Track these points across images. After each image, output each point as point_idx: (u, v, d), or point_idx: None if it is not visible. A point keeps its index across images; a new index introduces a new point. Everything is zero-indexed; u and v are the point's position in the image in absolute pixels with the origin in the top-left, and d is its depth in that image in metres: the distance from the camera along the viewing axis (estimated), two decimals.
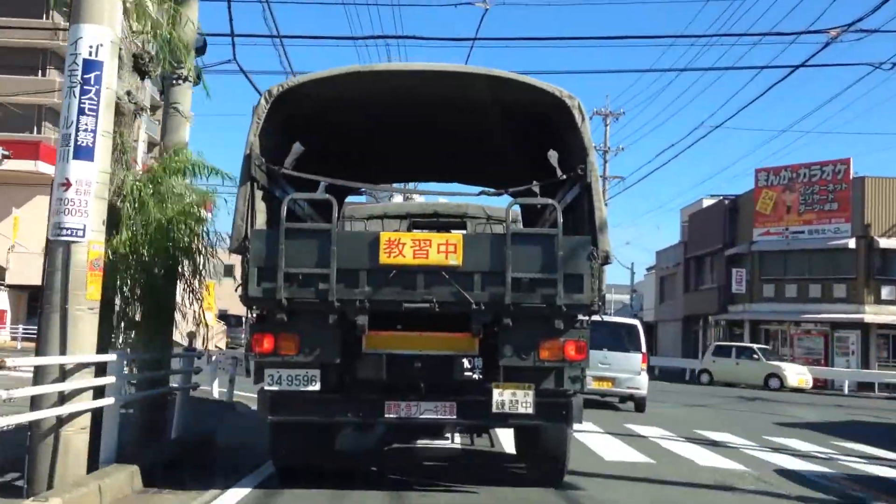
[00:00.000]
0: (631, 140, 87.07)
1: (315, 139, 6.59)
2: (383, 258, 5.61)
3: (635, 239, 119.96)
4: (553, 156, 6.23)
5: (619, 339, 13.53)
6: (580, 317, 5.90)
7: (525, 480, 6.63)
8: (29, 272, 28.70)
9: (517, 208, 7.61)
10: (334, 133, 7.09)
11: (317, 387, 5.68)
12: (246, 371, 7.62)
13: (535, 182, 6.60)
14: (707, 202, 39.08)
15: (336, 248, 5.58)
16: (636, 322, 14.78)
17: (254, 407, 7.71)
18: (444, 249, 5.65)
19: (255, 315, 6.02)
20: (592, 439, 9.78)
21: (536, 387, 5.73)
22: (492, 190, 6.78)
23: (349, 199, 8.33)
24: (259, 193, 6.03)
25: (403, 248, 5.63)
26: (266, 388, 5.69)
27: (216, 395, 12.53)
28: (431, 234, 6.02)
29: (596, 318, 6.23)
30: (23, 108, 37.23)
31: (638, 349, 13.52)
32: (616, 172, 53.28)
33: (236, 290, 5.80)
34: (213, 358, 13.38)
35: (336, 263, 5.56)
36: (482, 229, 8.54)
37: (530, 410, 5.67)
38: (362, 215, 6.85)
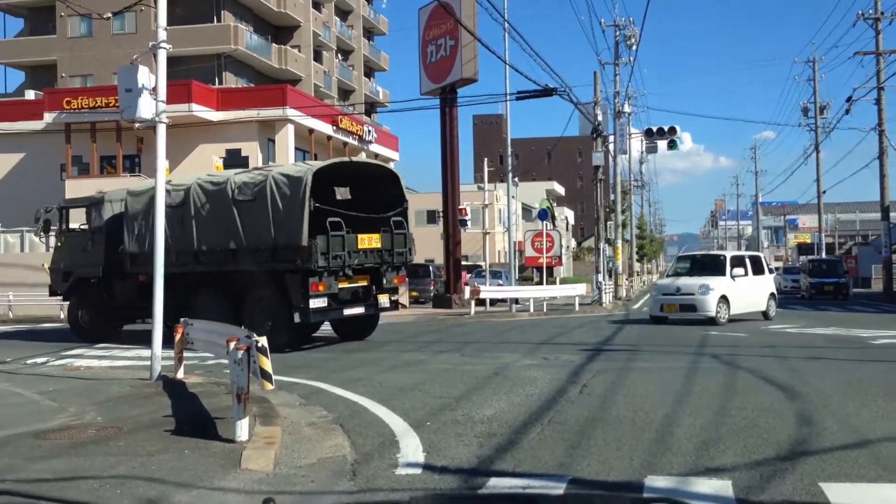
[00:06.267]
0: None
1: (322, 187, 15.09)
2: (359, 245, 14.77)
3: None
4: (344, 190, 16.78)
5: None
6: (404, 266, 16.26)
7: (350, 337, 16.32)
8: None
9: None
10: (323, 183, 15.06)
11: (325, 303, 14.31)
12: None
13: (395, 209, 15.89)
14: None
15: (346, 240, 14.41)
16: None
17: None
18: (375, 240, 15.18)
19: (304, 272, 14.02)
20: None
21: (389, 295, 15.73)
22: (380, 215, 15.68)
23: None
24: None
25: (365, 240, 14.90)
26: (311, 306, 13.97)
27: None
28: (373, 234, 15.13)
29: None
30: (201, 60, 39.50)
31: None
32: (891, 45, 46.06)
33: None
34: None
35: (347, 248, 14.44)
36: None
37: (388, 305, 15.80)
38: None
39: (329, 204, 15.02)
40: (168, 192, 14.79)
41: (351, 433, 7.08)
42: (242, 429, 6.52)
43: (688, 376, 10.25)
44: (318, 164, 15.11)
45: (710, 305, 18.93)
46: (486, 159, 40.57)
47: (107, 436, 6.94)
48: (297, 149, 32.99)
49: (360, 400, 8.87)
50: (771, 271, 22.51)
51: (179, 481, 5.39)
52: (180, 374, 10.52)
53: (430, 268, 36.18)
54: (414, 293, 32.59)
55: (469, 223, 32.95)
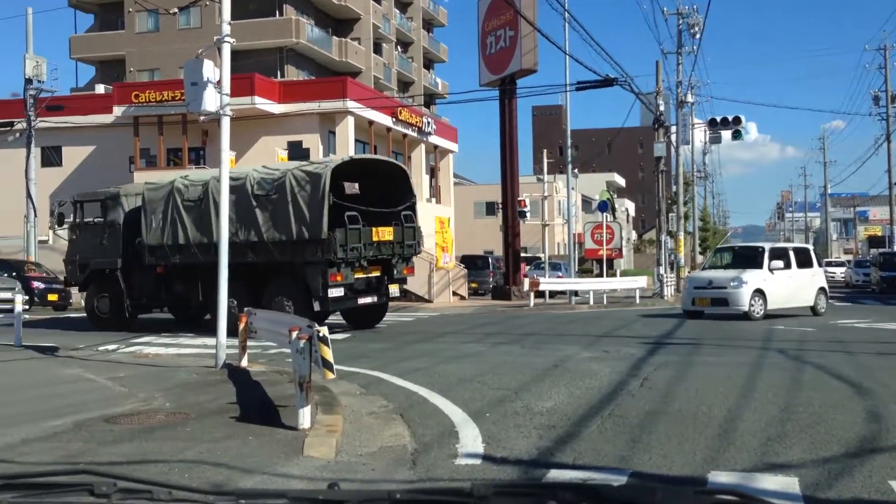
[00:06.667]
0: None
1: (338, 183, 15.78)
2: (374, 238, 15.55)
3: None
4: (352, 186, 16.28)
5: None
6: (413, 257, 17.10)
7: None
8: None
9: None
10: (337, 179, 15.62)
11: (342, 293, 15.18)
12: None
13: (407, 202, 16.83)
14: None
15: (362, 233, 15.19)
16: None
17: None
18: (388, 233, 15.94)
19: (325, 264, 14.81)
20: None
21: (399, 285, 17.04)
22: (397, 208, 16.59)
23: None
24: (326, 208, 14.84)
25: (379, 233, 15.68)
26: (330, 296, 14.83)
27: None
28: (386, 228, 15.87)
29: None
30: (264, 53, 40.11)
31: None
32: None
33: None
34: None
35: (362, 241, 15.20)
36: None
37: (398, 294, 17.37)
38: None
39: (342, 198, 15.53)
40: (186, 186, 16.26)
41: (411, 423, 7.14)
42: (305, 417, 6.63)
43: (752, 371, 10.06)
44: (335, 160, 16.25)
45: (743, 299, 18.13)
46: (545, 150, 40.36)
47: (175, 421, 7.13)
48: (356, 140, 33.26)
49: (419, 390, 8.94)
50: (821, 264, 21.18)
51: (244, 467, 5.52)
52: (244, 363, 10.75)
53: (490, 259, 36.20)
54: (473, 284, 32.64)
55: (528, 215, 32.80)
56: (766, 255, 19.15)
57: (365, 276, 15.91)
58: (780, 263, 19.00)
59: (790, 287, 19.10)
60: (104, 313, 17.87)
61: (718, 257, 21.63)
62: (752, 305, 18.22)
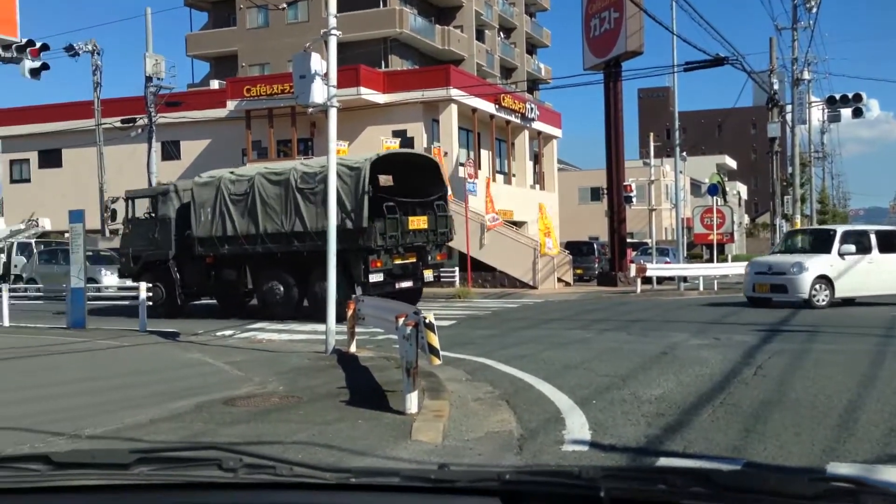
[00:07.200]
0: None
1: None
2: (410, 226, 16.86)
3: None
4: (386, 178, 17.34)
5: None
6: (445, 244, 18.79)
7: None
8: None
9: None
10: (375, 172, 16.52)
11: (382, 278, 16.19)
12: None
13: (439, 193, 18.23)
14: None
15: (399, 222, 16.41)
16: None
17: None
18: (422, 221, 17.31)
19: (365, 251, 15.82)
20: None
21: (433, 270, 17.96)
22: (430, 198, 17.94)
23: None
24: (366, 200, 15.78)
25: (414, 222, 16.99)
26: (371, 280, 15.66)
27: None
28: (420, 217, 17.23)
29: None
30: (368, 44, 40.75)
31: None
32: None
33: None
34: None
35: (399, 229, 16.39)
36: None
37: (432, 279, 18.17)
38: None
39: (379, 190, 16.75)
40: (233, 182, 17.36)
41: (517, 409, 7.17)
42: (412, 402, 6.76)
43: (875, 360, 9.60)
44: (374, 155, 17.33)
45: (803, 286, 16.97)
46: (651, 134, 39.46)
47: (288, 404, 7.40)
48: (460, 128, 33.37)
49: (524, 377, 8.95)
50: None
51: (355, 449, 5.68)
52: (352, 349, 11.03)
53: (595, 245, 35.74)
54: (578, 271, 32.28)
55: (634, 199, 32.19)
56: (837, 238, 17.76)
57: (402, 262, 17.03)
58: (851, 248, 17.53)
59: (869, 273, 17.54)
60: (156, 301, 18.67)
61: (789, 241, 20.46)
62: (815, 293, 17.07)
